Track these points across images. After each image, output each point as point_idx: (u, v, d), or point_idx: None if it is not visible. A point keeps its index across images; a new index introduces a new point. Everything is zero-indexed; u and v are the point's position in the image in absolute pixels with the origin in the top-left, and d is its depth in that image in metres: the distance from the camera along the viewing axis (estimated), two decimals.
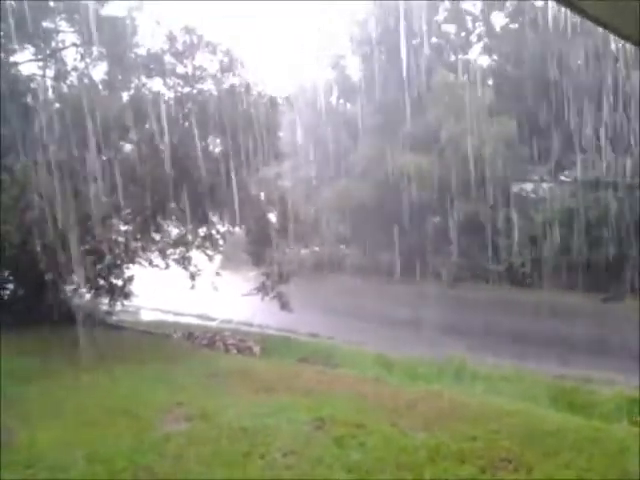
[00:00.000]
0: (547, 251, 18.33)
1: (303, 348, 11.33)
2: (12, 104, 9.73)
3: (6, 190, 9.25)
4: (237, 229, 12.23)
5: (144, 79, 11.31)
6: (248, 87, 11.29)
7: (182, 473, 4.86)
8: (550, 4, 16.67)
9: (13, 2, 10.81)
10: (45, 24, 11.40)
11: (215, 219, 11.86)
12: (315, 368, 9.19)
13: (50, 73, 11.80)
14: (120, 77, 11.25)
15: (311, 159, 22.88)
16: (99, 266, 10.78)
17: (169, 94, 11.30)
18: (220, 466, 4.94)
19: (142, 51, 11.47)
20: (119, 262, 11.15)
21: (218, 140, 11.54)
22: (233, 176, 10.91)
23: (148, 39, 11.46)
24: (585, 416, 6.81)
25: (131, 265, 11.30)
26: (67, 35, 11.68)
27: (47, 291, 10.26)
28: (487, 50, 23.59)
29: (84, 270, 10.28)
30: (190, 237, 11.71)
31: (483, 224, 19.04)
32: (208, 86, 11.42)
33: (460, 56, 24.07)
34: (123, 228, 11.02)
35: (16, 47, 11.27)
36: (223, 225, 12.00)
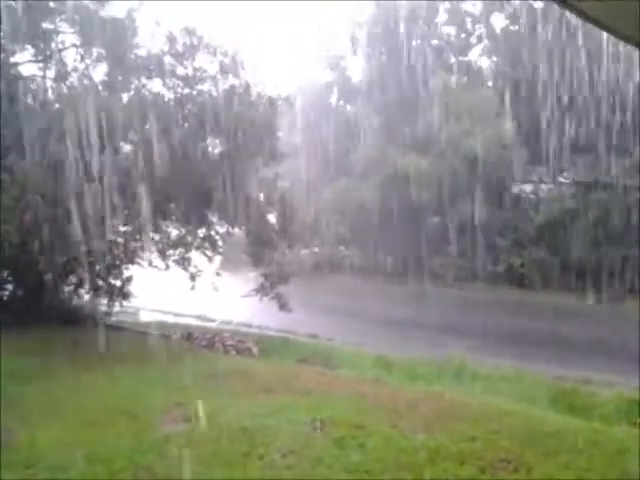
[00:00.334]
0: (546, 252, 18.36)
1: (302, 349, 11.32)
2: (12, 105, 9.73)
3: (6, 190, 9.24)
4: (236, 230, 12.22)
5: (144, 80, 11.30)
6: (248, 88, 11.28)
7: (181, 473, 4.85)
8: (550, 5, 16.69)
9: (13, 3, 10.81)
10: (45, 25, 11.40)
11: (214, 220, 11.86)
12: (314, 369, 9.19)
13: (50, 74, 11.80)
14: (120, 78, 11.24)
15: (311, 160, 22.87)
16: (98, 266, 10.78)
17: (169, 95, 11.30)
18: (219, 466, 4.95)
19: (142, 52, 11.47)
20: (118, 263, 11.16)
21: (218, 141, 11.54)
22: (232, 177, 10.92)
23: (148, 40, 11.45)
24: (585, 417, 6.82)
25: (130, 266, 11.30)
26: (67, 36, 11.68)
27: (46, 291, 10.27)
28: (487, 52, 23.61)
29: (83, 270, 10.29)
30: (189, 238, 11.70)
31: (482, 225, 19.05)
32: (208, 87, 11.42)
33: (460, 57, 24.10)
34: (122, 229, 11.01)
35: (16, 48, 11.27)
36: (222, 226, 12.00)
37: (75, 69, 11.67)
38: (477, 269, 19.20)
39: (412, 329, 13.34)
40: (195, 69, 11.24)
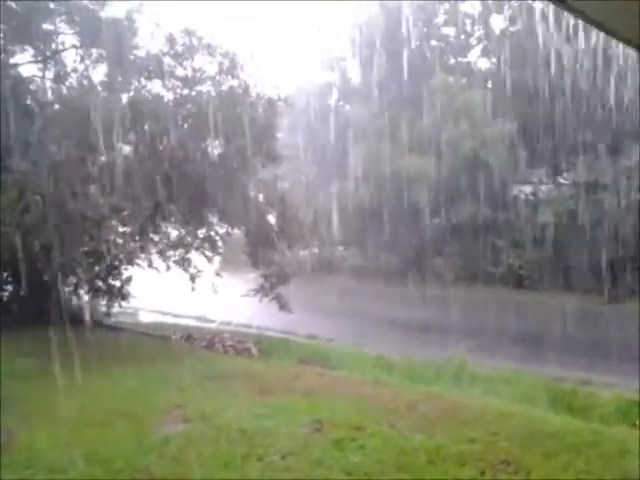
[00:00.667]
0: (546, 253, 18.35)
1: (302, 350, 11.32)
2: (12, 105, 9.72)
3: (6, 191, 9.24)
4: (236, 231, 12.22)
5: (143, 81, 11.30)
6: (247, 89, 11.29)
7: (181, 474, 4.85)
8: (549, 7, 16.69)
9: (13, 3, 10.81)
10: (45, 26, 11.40)
11: (214, 220, 11.85)
12: (314, 370, 9.19)
13: (50, 75, 11.80)
14: (120, 79, 11.24)
15: (310, 160, 22.89)
16: (98, 267, 10.78)
17: (168, 96, 11.31)
18: (219, 467, 4.94)
19: (141, 53, 11.47)
20: (118, 263, 11.16)
21: (217, 142, 11.54)
22: (232, 178, 10.92)
23: (147, 41, 11.46)
24: (584, 418, 6.82)
25: (130, 266, 11.29)
26: (67, 37, 11.68)
27: (46, 292, 10.26)
28: (486, 53, 23.63)
29: (83, 271, 10.28)
30: (189, 239, 11.70)
31: (482, 226, 19.07)
32: (207, 88, 11.42)
33: (459, 58, 24.13)
34: (122, 229, 11.01)
35: (16, 48, 11.27)
36: (222, 227, 11.99)
37: (75, 70, 11.67)
38: (476, 270, 19.19)
39: (412, 330, 13.34)
40: (194, 70, 11.25)
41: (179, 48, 11.14)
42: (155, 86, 11.38)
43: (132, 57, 11.33)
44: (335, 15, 27.05)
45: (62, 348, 8.53)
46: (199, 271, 11.38)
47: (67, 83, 11.72)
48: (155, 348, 10.04)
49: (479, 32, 23.96)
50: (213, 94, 11.25)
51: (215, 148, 11.63)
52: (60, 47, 11.73)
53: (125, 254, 11.04)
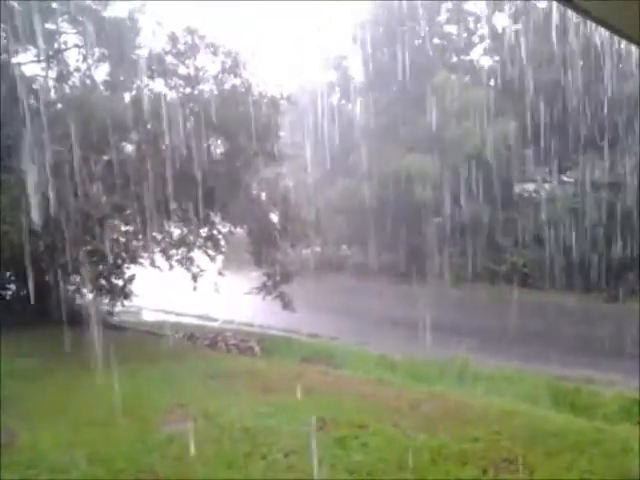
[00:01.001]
0: (549, 251, 18.31)
1: (305, 348, 11.33)
2: (14, 105, 9.73)
3: (7, 190, 9.25)
4: (239, 229, 12.23)
5: (146, 80, 11.31)
6: (249, 88, 11.29)
7: (184, 473, 4.85)
8: (552, 4, 16.66)
9: (15, 3, 10.83)
10: (47, 25, 11.40)
11: (217, 219, 11.86)
12: (317, 368, 9.19)
13: (52, 74, 11.80)
14: (122, 78, 11.25)
15: (313, 159, 22.87)
16: (100, 266, 10.79)
17: (171, 95, 11.30)
18: (222, 466, 4.95)
19: (144, 52, 11.48)
20: (120, 262, 11.16)
21: (220, 140, 11.54)
22: (235, 176, 10.92)
23: (150, 40, 11.47)
24: (587, 417, 6.81)
25: (132, 265, 11.30)
26: (69, 36, 11.69)
27: (48, 291, 10.26)
28: (489, 51, 23.58)
29: (85, 270, 10.28)
30: (192, 237, 11.70)
31: (485, 224, 19.05)
32: (210, 87, 11.42)
33: (462, 57, 24.09)
34: (124, 228, 11.02)
35: (18, 48, 11.28)
36: (225, 225, 12.00)
37: (77, 69, 11.68)
38: (479, 268, 19.19)
39: (414, 328, 13.31)
40: (197, 69, 11.25)
41: (181, 47, 11.14)
42: (157, 85, 11.39)
43: (134, 56, 11.33)
44: (337, 14, 27.07)
45: (64, 347, 8.57)
46: (201, 270, 11.38)
47: (70, 82, 11.73)
48: (158, 347, 10.04)
49: (482, 30, 23.91)
50: (216, 93, 11.25)
51: (218, 147, 11.63)
52: (63, 46, 11.75)
53: (128, 253, 11.05)
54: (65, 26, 11.63)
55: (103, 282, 11.18)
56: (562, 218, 18.38)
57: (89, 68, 11.61)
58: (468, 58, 24.15)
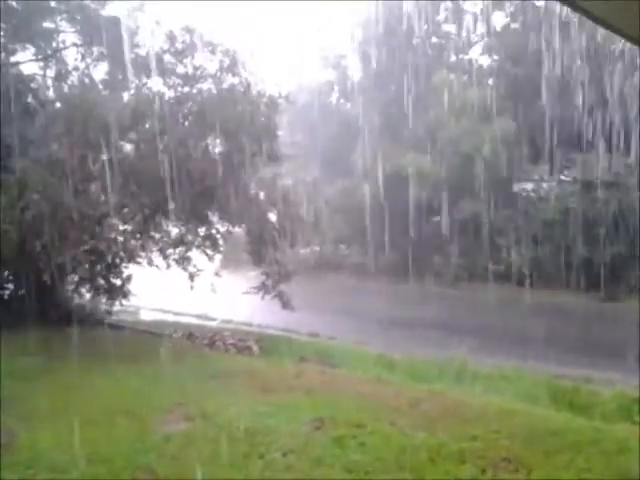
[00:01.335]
0: (547, 251, 18.34)
1: (303, 348, 11.32)
2: (13, 104, 9.72)
3: (6, 190, 9.24)
4: (237, 229, 12.22)
5: (144, 79, 11.30)
6: (248, 87, 11.28)
7: (182, 473, 4.85)
8: (551, 3, 16.67)
9: (14, 2, 10.82)
10: (46, 24, 11.41)
11: (215, 219, 11.85)
12: (316, 368, 9.18)
13: (51, 73, 11.81)
14: (120, 77, 11.24)
15: (311, 158, 22.87)
16: (99, 266, 10.78)
17: (169, 94, 11.29)
18: (220, 466, 4.94)
19: (142, 51, 11.47)
20: (118, 261, 11.15)
21: (218, 140, 11.53)
22: (233, 175, 10.90)
23: (148, 39, 11.47)
24: (586, 416, 6.81)
25: (130, 265, 11.29)
26: (68, 35, 11.70)
27: (47, 291, 10.26)
28: (488, 50, 23.58)
29: (84, 269, 10.28)
30: (190, 237, 11.69)
31: (483, 224, 19.06)
32: (208, 86, 11.41)
33: (460, 56, 24.09)
34: (122, 227, 11.01)
35: (17, 47, 11.28)
36: (223, 225, 11.99)
37: (76, 68, 11.69)
38: (478, 268, 19.21)
39: (413, 328, 13.34)
40: (195, 67, 11.24)
41: (179, 46, 11.13)
42: (156, 84, 11.38)
43: (133, 55, 11.32)
44: (336, 13, 27.05)
45: (63, 347, 8.57)
46: (198, 270, 11.39)
47: (68, 81, 11.73)
48: (156, 346, 10.03)
49: (480, 29, 23.91)
50: (214, 92, 11.24)
51: (216, 146, 11.62)
52: (61, 45, 11.75)
53: (126, 252, 11.04)
54: (64, 25, 11.64)
55: (101, 281, 11.17)
56: (560, 217, 18.41)
57: (87, 67, 11.63)
58: (467, 57, 24.15)
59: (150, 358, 8.83)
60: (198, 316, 14.56)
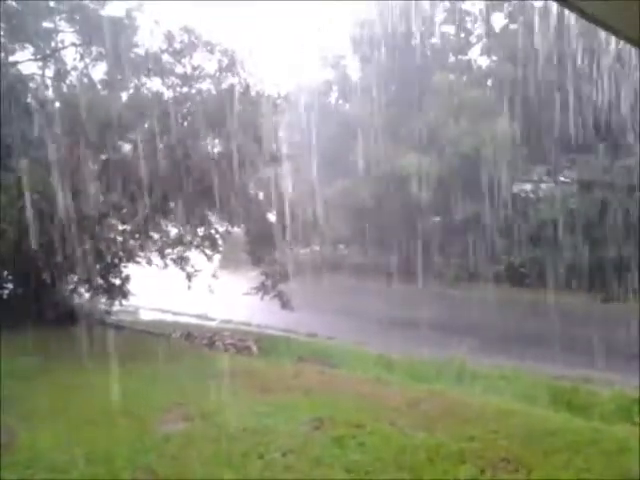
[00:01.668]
0: (546, 251, 18.35)
1: (302, 348, 11.31)
2: (12, 103, 9.72)
3: (5, 189, 9.23)
4: (236, 229, 12.22)
5: (143, 79, 11.30)
6: (247, 87, 11.28)
7: (182, 473, 4.85)
8: (550, 5, 16.68)
9: (13, 2, 10.82)
10: (45, 24, 11.41)
11: (214, 219, 11.86)
12: (315, 368, 9.18)
13: (50, 73, 11.82)
14: (119, 77, 11.24)
15: (310, 159, 22.86)
16: (98, 265, 10.77)
17: (168, 94, 11.30)
18: (219, 466, 4.94)
19: (141, 51, 11.47)
20: (118, 261, 11.15)
21: (217, 140, 11.53)
22: (232, 175, 10.90)
23: (147, 39, 11.47)
24: (585, 416, 6.81)
25: (130, 264, 11.29)
26: (67, 35, 11.70)
27: (46, 290, 10.26)
28: (487, 51, 23.60)
29: (83, 269, 10.27)
30: (189, 237, 11.70)
31: (483, 224, 19.05)
32: (207, 86, 11.41)
33: (459, 56, 24.11)
34: (122, 227, 11.01)
35: (16, 46, 11.27)
36: (222, 225, 11.99)
37: (75, 68, 11.69)
38: (477, 268, 19.21)
39: (412, 328, 13.33)
40: (194, 67, 11.24)
41: (177, 45, 11.13)
42: (155, 84, 11.39)
43: (132, 55, 11.33)
44: (335, 13, 27.06)
45: (62, 347, 8.57)
46: (196, 270, 11.40)
47: (67, 81, 11.74)
48: (155, 346, 10.03)
49: (479, 30, 23.93)
50: (213, 92, 11.25)
51: (215, 146, 11.63)
52: (60, 45, 11.76)
53: (125, 252, 11.04)
54: (62, 25, 11.63)
55: (101, 281, 11.17)
56: (559, 218, 18.41)
57: (86, 67, 11.63)
58: (466, 58, 24.17)
59: (149, 358, 8.83)
60: (197, 316, 14.55)
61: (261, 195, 12.05)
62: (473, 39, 24.23)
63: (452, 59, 24.05)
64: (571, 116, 17.27)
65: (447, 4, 23.87)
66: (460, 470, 4.90)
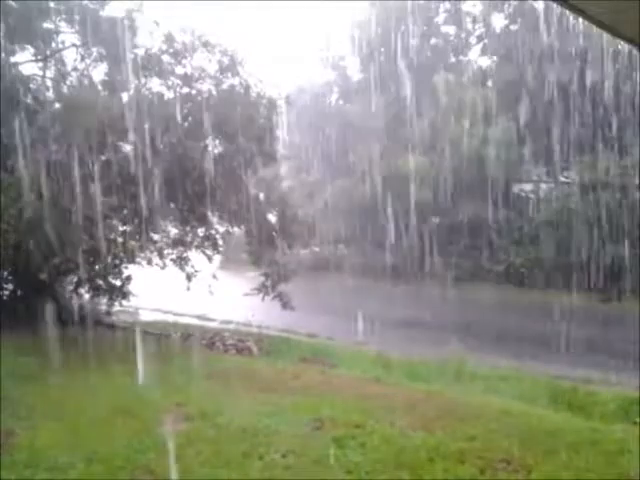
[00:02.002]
0: (546, 251, 18.35)
1: (303, 348, 11.33)
2: (12, 104, 9.72)
3: (5, 190, 9.24)
4: (236, 229, 12.23)
5: (144, 79, 11.30)
6: (247, 87, 11.29)
7: (181, 473, 4.85)
8: (550, 5, 16.69)
9: (13, 2, 10.81)
10: (45, 25, 11.40)
11: (214, 219, 11.86)
12: (315, 368, 9.19)
13: (50, 74, 11.80)
14: (120, 78, 11.24)
15: (311, 159, 22.89)
16: (98, 266, 10.78)
17: (168, 94, 11.30)
18: (219, 466, 4.94)
19: (141, 52, 11.48)
20: (118, 262, 11.15)
21: (217, 140, 11.54)
22: (232, 176, 10.92)
23: (147, 40, 11.47)
24: (584, 416, 6.82)
25: (130, 265, 11.29)
26: (67, 36, 11.69)
27: (46, 291, 10.25)
28: (487, 51, 23.62)
29: (83, 270, 10.28)
30: (189, 237, 11.70)
31: (482, 224, 19.07)
32: (207, 87, 11.41)
33: (460, 57, 24.13)
34: (122, 228, 11.01)
35: (16, 47, 11.27)
36: (222, 225, 12.00)
37: (75, 69, 11.69)
38: (477, 268, 19.22)
39: (412, 328, 13.34)
40: (194, 68, 11.25)
41: (178, 46, 11.14)
42: (155, 85, 11.39)
43: (132, 56, 11.32)
44: (335, 14, 27.08)
45: (63, 347, 8.56)
46: (196, 270, 11.40)
47: (67, 82, 11.73)
48: (155, 347, 10.03)
49: (479, 30, 23.95)
50: (213, 93, 11.25)
51: (215, 147, 11.63)
52: (60, 46, 11.74)
53: (125, 253, 11.04)
54: (63, 25, 11.62)
55: (101, 282, 11.17)
56: (560, 218, 18.42)
57: (87, 68, 11.62)
58: (466, 58, 24.19)
59: (149, 358, 8.81)
60: (198, 317, 14.55)
61: (261, 195, 12.06)
62: (473, 40, 24.26)
63: (452, 59, 24.07)
64: (571, 116, 17.29)
65: (447, 4, 23.90)
66: (460, 470, 4.90)
